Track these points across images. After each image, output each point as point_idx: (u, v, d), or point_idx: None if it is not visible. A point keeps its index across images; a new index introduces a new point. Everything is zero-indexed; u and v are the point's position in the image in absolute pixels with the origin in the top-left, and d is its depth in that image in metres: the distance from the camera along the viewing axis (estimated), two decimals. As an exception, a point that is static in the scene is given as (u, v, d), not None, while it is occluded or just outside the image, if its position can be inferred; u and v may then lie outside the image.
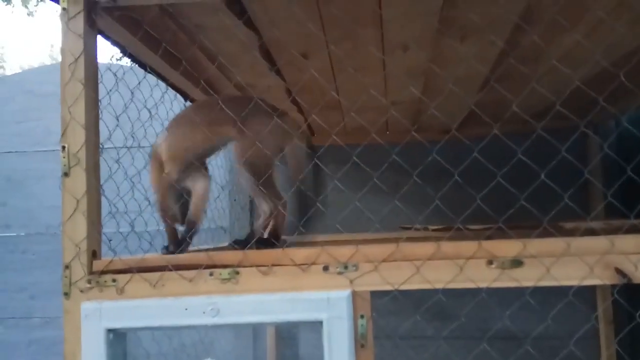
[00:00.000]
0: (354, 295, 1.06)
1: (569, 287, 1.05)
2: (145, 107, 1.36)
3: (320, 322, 1.06)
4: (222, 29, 1.27)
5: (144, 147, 1.48)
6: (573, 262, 1.04)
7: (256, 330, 2.63)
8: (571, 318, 2.24)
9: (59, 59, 1.16)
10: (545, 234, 1.13)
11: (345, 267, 1.08)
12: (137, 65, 1.48)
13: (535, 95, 1.71)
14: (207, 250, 1.27)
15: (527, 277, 1.04)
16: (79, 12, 1.13)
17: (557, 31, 1.41)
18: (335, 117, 2.38)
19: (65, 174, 1.10)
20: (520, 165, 1.32)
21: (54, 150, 3.11)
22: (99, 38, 1.25)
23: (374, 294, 1.08)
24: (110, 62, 1.28)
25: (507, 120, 1.76)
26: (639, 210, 1.23)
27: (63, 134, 1.11)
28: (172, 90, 1.71)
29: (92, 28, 1.17)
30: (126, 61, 1.39)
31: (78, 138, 1.11)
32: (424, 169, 1.43)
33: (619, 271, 1.03)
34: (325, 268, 1.09)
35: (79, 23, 1.14)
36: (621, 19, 1.33)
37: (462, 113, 2.34)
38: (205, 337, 2.56)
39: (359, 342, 1.05)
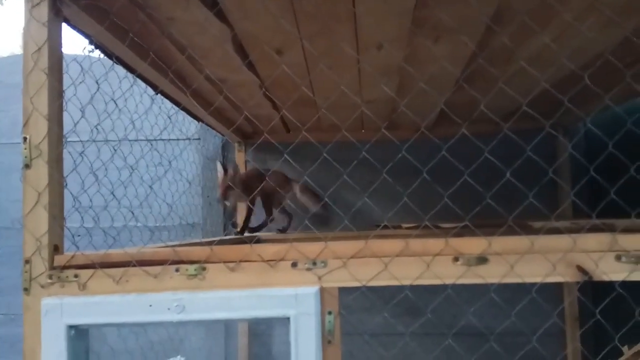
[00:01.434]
0: (322, 291, 1.06)
1: (534, 284, 1.08)
2: (112, 99, 1.33)
3: (288, 319, 1.05)
4: (193, 21, 1.25)
5: (111, 141, 1.44)
6: (536, 259, 1.07)
7: (228, 327, 2.60)
8: (537, 315, 2.30)
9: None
10: (512, 232, 1.15)
11: (314, 264, 1.08)
12: (104, 55, 1.44)
13: (507, 97, 1.73)
14: (174, 246, 1.25)
15: (491, 274, 1.06)
16: (43, 0, 1.10)
17: (526, 33, 1.43)
18: (309, 114, 2.37)
19: (27, 166, 1.07)
20: (490, 165, 1.34)
21: (20, 143, 3.02)
22: (66, 28, 1.21)
23: (344, 291, 1.08)
24: (83, 53, 1.24)
25: (478, 120, 1.79)
26: (601, 210, 1.26)
27: (25, 125, 1.08)
28: (141, 82, 1.67)
29: (57, 16, 1.14)
30: (98, 53, 1.35)
31: (40, 129, 1.07)
32: (399, 167, 1.44)
33: (580, 269, 1.06)
34: (294, 264, 1.08)
35: (43, 11, 1.10)
36: (588, 23, 1.36)
37: (434, 112, 2.37)
38: (175, 335, 2.53)
39: (326, 339, 1.05)
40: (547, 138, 1.38)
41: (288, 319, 1.06)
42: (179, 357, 2.45)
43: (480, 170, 1.28)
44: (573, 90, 1.41)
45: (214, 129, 2.62)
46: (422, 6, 1.32)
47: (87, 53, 1.32)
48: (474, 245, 1.07)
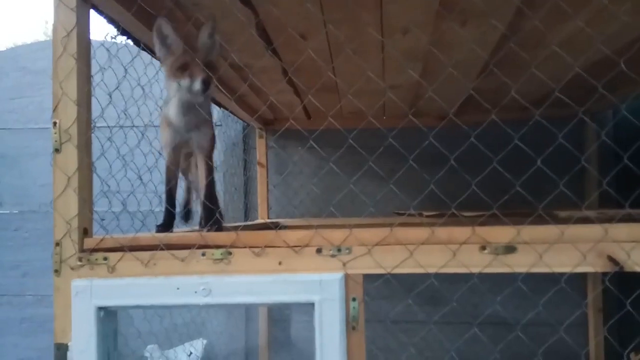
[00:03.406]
0: (347, 278, 1.06)
1: (560, 274, 1.06)
2: (139, 84, 1.34)
3: (312, 304, 1.06)
4: (218, 6, 1.25)
5: (137, 126, 1.46)
6: (566, 249, 1.04)
7: (248, 311, 2.64)
8: (561, 305, 2.27)
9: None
10: (539, 221, 1.13)
11: (339, 250, 1.08)
12: (130, 41, 1.45)
13: (534, 82, 1.69)
14: (199, 230, 1.27)
15: (519, 264, 1.04)
16: (71, -15, 1.10)
17: (558, 17, 1.39)
18: (331, 100, 2.36)
19: (57, 150, 1.09)
20: (516, 153, 1.31)
21: (47, 128, 3.08)
22: (93, 15, 1.22)
23: (366, 278, 1.08)
24: (107, 39, 1.25)
25: (504, 107, 1.76)
26: (634, 199, 1.23)
27: (55, 110, 1.10)
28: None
29: (85, 2, 1.15)
30: (120, 40, 1.35)
31: (70, 114, 1.09)
32: (419, 154, 1.42)
33: (611, 259, 1.04)
34: (319, 250, 1.08)
35: (72, -4, 1.11)
36: (624, 7, 1.31)
37: (460, 99, 2.32)
38: (197, 317, 2.58)
39: (350, 325, 1.05)
40: (574, 125, 1.34)
41: (312, 304, 1.06)
42: (201, 339, 2.50)
43: (504, 157, 1.25)
44: (604, 76, 1.37)
45: (235, 114, 2.62)
46: (449, -11, 1.29)
47: (111, 39, 1.33)
48: (501, 233, 1.05)
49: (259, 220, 2.60)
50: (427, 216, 2.22)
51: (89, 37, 1.16)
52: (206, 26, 1.29)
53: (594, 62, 1.75)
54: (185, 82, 1.25)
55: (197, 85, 1.23)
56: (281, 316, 2.71)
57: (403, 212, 2.54)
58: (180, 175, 1.46)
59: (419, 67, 1.87)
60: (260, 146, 2.74)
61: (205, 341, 2.43)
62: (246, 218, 2.77)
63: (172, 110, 1.32)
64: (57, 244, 1.08)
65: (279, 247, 1.09)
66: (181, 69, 1.25)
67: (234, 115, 2.64)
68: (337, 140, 1.58)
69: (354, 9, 1.39)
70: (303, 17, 1.44)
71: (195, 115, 1.32)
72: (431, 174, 1.43)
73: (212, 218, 1.32)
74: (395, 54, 1.67)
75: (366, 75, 1.83)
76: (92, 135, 1.15)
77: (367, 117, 2.32)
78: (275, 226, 1.45)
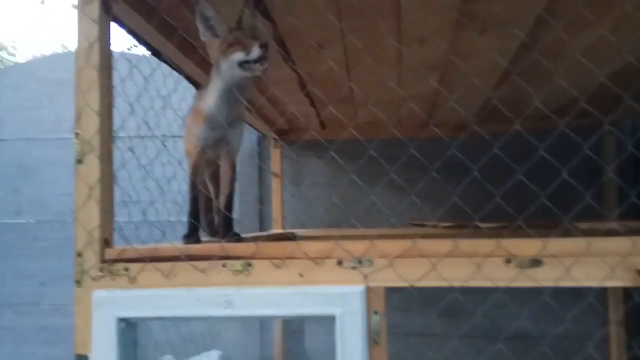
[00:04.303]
0: (368, 290, 1.05)
1: (581, 288, 1.03)
2: (159, 95, 1.35)
3: (333, 317, 1.04)
4: (237, 17, 1.25)
5: (156, 136, 1.47)
6: (593, 262, 1.02)
7: (263, 322, 2.62)
8: (582, 318, 2.22)
9: (70, 47, 1.15)
10: (562, 233, 1.10)
11: (360, 262, 1.06)
12: (150, 53, 1.46)
13: (552, 91, 1.67)
14: (219, 241, 1.26)
15: (546, 277, 1.02)
16: (94, -2, 1.12)
17: (581, 25, 1.37)
18: (347, 111, 2.35)
19: (79, 161, 1.09)
20: (534, 163, 1.28)
21: (65, 138, 3.13)
22: (113, 26, 1.23)
23: (386, 290, 1.06)
24: (125, 50, 1.27)
25: (522, 117, 1.73)
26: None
27: (77, 121, 1.10)
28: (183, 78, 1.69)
29: (107, 14, 1.16)
30: (138, 51, 1.36)
31: (92, 125, 1.09)
32: (435, 164, 1.40)
33: (640, 273, 1.01)
34: (339, 262, 1.07)
35: (94, 8, 1.12)
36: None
37: (477, 108, 2.31)
38: (213, 328, 2.56)
39: (372, 339, 1.03)
40: (591, 134, 1.31)
41: (333, 317, 1.04)
42: (215, 350, 2.49)
43: (521, 167, 1.22)
44: (625, 84, 1.35)
45: (249, 124, 2.63)
46: (470, -1, 1.28)
47: (130, 49, 1.34)
48: (527, 246, 1.03)
49: (276, 231, 2.60)
50: (444, 227, 2.19)
51: (111, 49, 1.17)
52: (246, 6, 1.23)
53: (615, 71, 1.73)
54: (239, 55, 1.17)
55: (256, 51, 1.14)
56: (296, 327, 2.68)
57: (419, 222, 2.52)
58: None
59: (436, 76, 1.86)
60: (275, 156, 2.74)
61: (219, 352, 2.42)
62: (261, 228, 2.76)
63: (213, 100, 1.25)
64: (79, 255, 1.08)
65: (299, 258, 1.08)
66: (232, 45, 1.18)
67: (249, 125, 2.65)
68: (352, 150, 1.58)
69: (372, 18, 1.39)
70: (321, 27, 1.44)
71: (236, 107, 1.27)
72: (447, 184, 1.42)
73: (231, 228, 1.32)
74: (414, 63, 1.66)
75: (383, 85, 1.82)
76: (113, 145, 1.15)
77: (382, 127, 2.31)
78: (293, 237, 1.44)
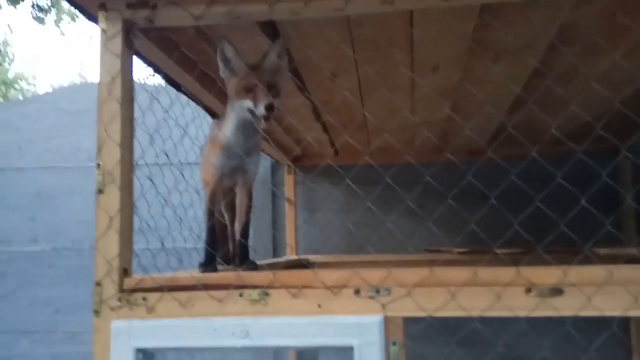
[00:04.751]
0: (386, 320, 1.03)
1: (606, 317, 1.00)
2: (178, 125, 1.38)
3: (350, 348, 1.03)
4: (255, 50, 1.29)
5: (174, 164, 1.49)
6: (616, 291, 1.00)
7: (277, 351, 2.59)
8: (603, 348, 2.15)
9: (89, 77, 1.19)
10: (582, 260, 1.08)
11: (377, 291, 1.06)
12: (169, 85, 1.50)
13: (567, 117, 1.67)
14: (235, 270, 1.26)
15: (567, 307, 1.00)
16: (117, 33, 1.15)
17: (593, 52, 1.38)
18: (360, 137, 2.37)
19: (100, 191, 1.11)
20: (546, 188, 1.27)
21: (82, 167, 3.19)
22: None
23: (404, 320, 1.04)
24: (141, 81, 1.30)
25: (535, 142, 1.73)
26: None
27: (99, 152, 1.13)
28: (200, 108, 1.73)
29: (129, 48, 1.19)
30: (156, 80, 1.40)
31: (113, 156, 1.12)
32: (448, 190, 1.40)
33: (665, 302, 0.98)
34: (357, 292, 1.06)
35: (117, 43, 1.15)
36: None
37: (489, 133, 2.31)
38: (227, 356, 2.53)
39: (391, 370, 1.02)
40: (604, 161, 1.29)
41: (350, 348, 1.03)
42: (229, 379, 2.45)
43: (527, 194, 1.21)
44: (637, 109, 1.34)
45: (262, 151, 2.66)
46: (481, 28, 1.30)
47: (145, 81, 1.37)
48: (547, 275, 1.01)
49: (291, 257, 2.59)
50: (459, 252, 2.17)
51: (133, 82, 1.20)
52: (276, 44, 1.27)
53: (628, 95, 1.73)
54: (248, 103, 1.23)
55: (261, 109, 1.19)
56: (310, 357, 2.64)
57: (434, 248, 2.49)
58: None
59: (449, 103, 1.88)
60: (288, 182, 2.76)
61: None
62: (275, 254, 2.75)
63: (230, 130, 1.30)
64: (98, 284, 1.09)
65: (316, 287, 1.08)
66: (245, 90, 1.23)
67: (263, 152, 2.67)
68: (365, 176, 1.59)
69: (385, 48, 1.41)
70: (336, 57, 1.47)
71: (252, 137, 1.32)
72: (462, 210, 1.41)
73: (247, 256, 1.32)
74: (427, 91, 1.68)
75: (396, 113, 1.84)
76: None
77: (395, 153, 2.32)
78: (308, 263, 1.44)
